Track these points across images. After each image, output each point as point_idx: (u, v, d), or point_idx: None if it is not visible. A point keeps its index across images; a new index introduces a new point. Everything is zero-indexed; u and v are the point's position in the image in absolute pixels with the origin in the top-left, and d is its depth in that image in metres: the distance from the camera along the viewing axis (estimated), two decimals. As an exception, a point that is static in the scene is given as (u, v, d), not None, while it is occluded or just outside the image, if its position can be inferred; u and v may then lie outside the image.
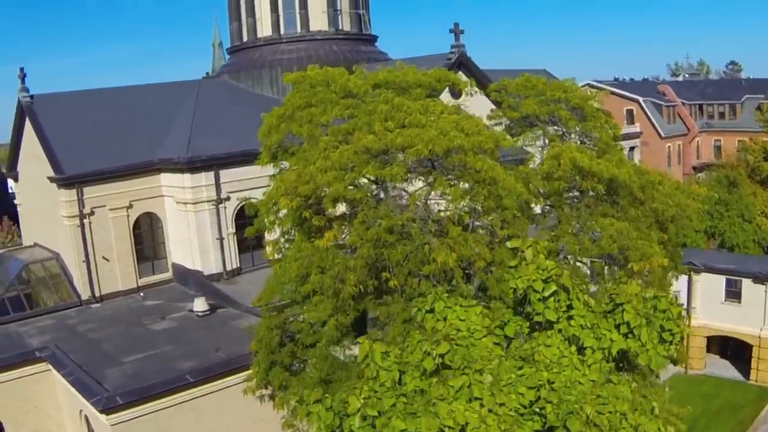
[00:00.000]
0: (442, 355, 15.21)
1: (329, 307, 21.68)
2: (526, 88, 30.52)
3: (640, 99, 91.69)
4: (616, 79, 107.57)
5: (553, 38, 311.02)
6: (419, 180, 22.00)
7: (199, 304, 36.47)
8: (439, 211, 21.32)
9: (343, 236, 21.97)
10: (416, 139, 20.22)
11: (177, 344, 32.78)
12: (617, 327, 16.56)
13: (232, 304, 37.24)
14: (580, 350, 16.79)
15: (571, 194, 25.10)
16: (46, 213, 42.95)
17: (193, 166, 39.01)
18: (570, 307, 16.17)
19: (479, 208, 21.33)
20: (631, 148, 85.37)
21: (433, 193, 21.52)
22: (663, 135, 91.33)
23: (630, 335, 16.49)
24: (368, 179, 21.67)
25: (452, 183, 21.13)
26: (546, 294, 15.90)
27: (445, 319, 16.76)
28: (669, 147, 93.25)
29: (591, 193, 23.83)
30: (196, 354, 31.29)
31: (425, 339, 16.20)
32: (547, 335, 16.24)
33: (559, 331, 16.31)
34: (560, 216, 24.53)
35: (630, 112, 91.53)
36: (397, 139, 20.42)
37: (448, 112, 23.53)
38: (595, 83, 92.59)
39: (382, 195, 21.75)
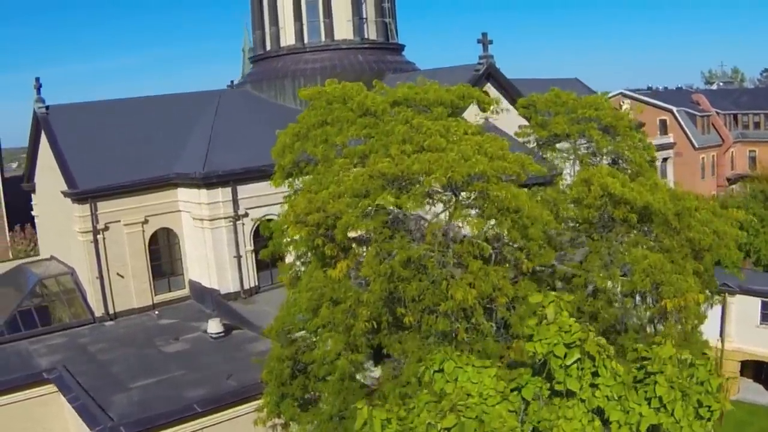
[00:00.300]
0: (448, 429, 13.74)
1: (341, 343, 20.44)
2: (555, 104, 29.21)
3: (674, 109, 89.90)
4: (649, 88, 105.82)
5: (585, 46, 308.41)
6: (439, 203, 20.64)
7: (213, 326, 35.32)
8: (461, 240, 19.86)
9: (359, 261, 20.70)
10: (434, 165, 18.87)
11: (188, 369, 31.71)
12: (648, 400, 14.93)
13: (248, 326, 36.02)
14: (605, 423, 15.14)
15: (601, 220, 23.59)
16: (61, 227, 42.07)
17: (209, 181, 37.87)
18: (595, 375, 14.53)
19: (504, 235, 19.99)
20: (664, 159, 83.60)
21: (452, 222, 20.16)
22: (697, 146, 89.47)
23: (662, 409, 14.84)
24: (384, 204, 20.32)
25: (473, 209, 19.80)
26: (568, 362, 14.30)
27: (455, 380, 15.29)
28: (703, 158, 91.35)
29: (622, 221, 22.33)
30: (208, 380, 30.17)
31: (433, 401, 14.73)
32: (567, 406, 14.60)
33: (582, 401, 14.67)
34: (589, 245, 23.07)
35: (663, 123, 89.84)
36: (414, 165, 19.07)
37: (472, 132, 22.14)
38: (627, 92, 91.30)
39: (400, 217, 20.41)
